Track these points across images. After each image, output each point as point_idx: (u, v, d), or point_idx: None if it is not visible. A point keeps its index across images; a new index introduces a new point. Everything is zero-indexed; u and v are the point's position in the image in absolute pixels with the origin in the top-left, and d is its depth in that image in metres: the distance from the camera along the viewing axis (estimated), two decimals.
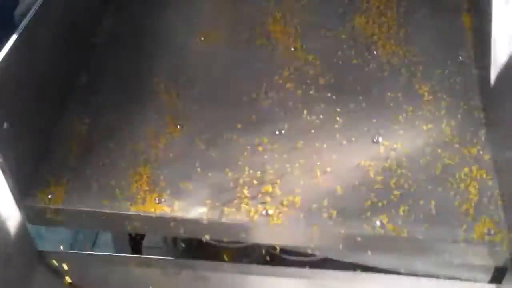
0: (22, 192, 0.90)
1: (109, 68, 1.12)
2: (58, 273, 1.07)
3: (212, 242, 1.32)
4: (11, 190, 0.89)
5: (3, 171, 0.85)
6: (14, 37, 0.81)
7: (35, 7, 0.88)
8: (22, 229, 0.98)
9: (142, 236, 1.47)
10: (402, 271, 1.09)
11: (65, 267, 1.06)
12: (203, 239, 0.91)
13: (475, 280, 1.03)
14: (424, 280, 1.05)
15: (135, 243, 1.44)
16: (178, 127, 1.02)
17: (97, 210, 0.89)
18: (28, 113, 0.89)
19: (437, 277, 1.05)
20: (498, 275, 1.00)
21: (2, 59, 0.79)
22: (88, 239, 1.90)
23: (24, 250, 1.00)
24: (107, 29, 1.20)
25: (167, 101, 1.07)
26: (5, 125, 0.81)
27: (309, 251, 1.12)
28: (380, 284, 1.06)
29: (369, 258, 1.09)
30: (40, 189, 0.92)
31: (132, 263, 1.08)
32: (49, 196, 0.91)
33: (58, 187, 0.92)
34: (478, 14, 1.18)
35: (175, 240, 1.42)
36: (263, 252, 1.24)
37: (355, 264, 1.12)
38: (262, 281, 1.08)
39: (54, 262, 1.06)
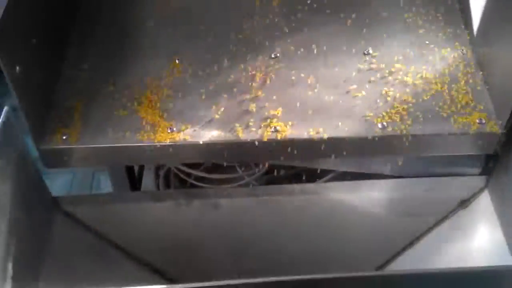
0: (37, 137, 0.92)
1: (99, 16, 1.13)
2: (74, 218, 1.11)
3: (202, 184, 1.38)
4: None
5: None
6: None
7: None
8: (37, 176, 1.01)
9: (140, 176, 1.51)
10: (398, 174, 1.17)
11: (81, 210, 1.10)
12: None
13: (467, 175, 1.12)
14: (421, 180, 1.14)
15: (134, 182, 1.48)
16: (177, 61, 1.05)
17: (115, 145, 0.93)
18: (35, 58, 0.91)
19: (431, 176, 1.14)
20: (487, 167, 1.09)
21: (8, 7, 0.80)
22: (85, 184, 1.93)
23: (40, 197, 1.04)
24: None
25: (162, 39, 1.09)
26: (17, 69, 0.83)
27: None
28: (381, 189, 1.14)
29: (367, 166, 1.17)
30: (53, 132, 0.94)
31: (145, 199, 1.13)
32: (64, 137, 0.93)
33: (70, 128, 0.95)
34: None
35: (168, 182, 1.46)
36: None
37: (352, 174, 1.20)
38: (272, 201, 1.15)
39: (70, 206, 1.09)
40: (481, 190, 1.11)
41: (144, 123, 0.96)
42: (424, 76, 1.02)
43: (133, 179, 1.52)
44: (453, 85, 1.00)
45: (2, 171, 0.85)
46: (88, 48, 1.07)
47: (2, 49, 0.79)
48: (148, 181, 1.50)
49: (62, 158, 0.94)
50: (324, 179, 1.26)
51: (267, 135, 0.94)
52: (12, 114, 0.89)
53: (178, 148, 0.93)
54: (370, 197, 1.15)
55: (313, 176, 1.26)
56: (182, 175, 1.40)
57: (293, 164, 1.28)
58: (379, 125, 0.95)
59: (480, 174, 1.11)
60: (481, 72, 1.02)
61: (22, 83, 0.85)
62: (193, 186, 1.40)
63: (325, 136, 0.93)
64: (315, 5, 1.14)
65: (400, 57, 1.05)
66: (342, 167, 1.17)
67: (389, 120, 0.96)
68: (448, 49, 1.06)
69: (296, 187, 1.15)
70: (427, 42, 1.07)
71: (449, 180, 1.12)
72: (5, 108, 0.88)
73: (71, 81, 1.02)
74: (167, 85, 1.01)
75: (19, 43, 0.85)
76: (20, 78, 0.84)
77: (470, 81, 1.01)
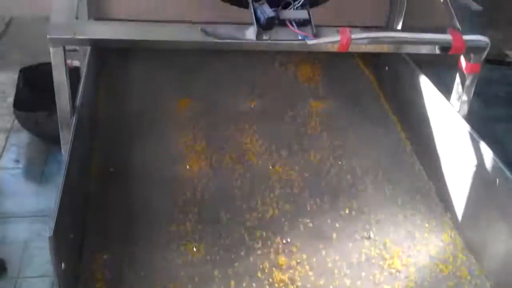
0: None
1: (111, 208, 1.18)
2: None
3: None
4: None
5: None
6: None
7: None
8: None
9: None
10: None
11: None
12: None
13: None
14: None
15: None
16: (194, 249, 1.10)
17: None
18: (71, 252, 0.93)
19: None
20: None
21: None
22: None
23: None
24: (97, 173, 1.27)
25: (175, 227, 1.15)
26: (63, 265, 0.85)
27: None
28: None
29: None
30: None
31: None
32: None
33: None
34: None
35: None
36: None
37: None
38: None
39: None
40: None
41: None
42: (423, 261, 1.12)
43: None
44: (450, 267, 1.11)
45: None
46: (105, 238, 1.10)
47: (54, 252, 0.83)
48: None
49: None
50: None
51: None
52: None
53: None
54: None
55: None
56: None
57: None
58: None
59: None
60: (472, 255, 1.13)
61: (64, 277, 0.86)
62: None
63: None
64: (311, 194, 1.26)
65: (398, 244, 1.15)
66: None
67: None
68: (439, 235, 1.18)
69: None
70: (418, 230, 1.19)
71: None
72: None
73: (94, 272, 1.03)
74: (187, 271, 1.05)
75: (64, 242, 0.89)
76: (63, 273, 0.86)
77: (465, 262, 1.12)
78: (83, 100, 1.22)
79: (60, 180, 0.94)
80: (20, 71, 2.00)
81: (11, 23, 2.01)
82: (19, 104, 1.89)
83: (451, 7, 1.25)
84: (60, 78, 1.10)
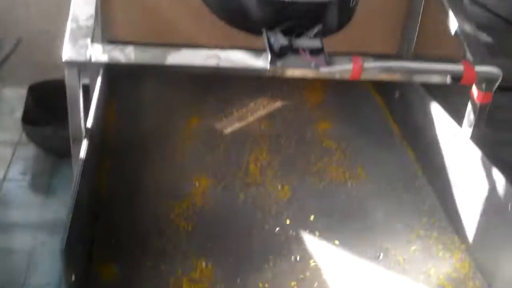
0: None
1: (121, 224, 1.18)
2: None
3: None
4: None
5: None
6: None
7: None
8: None
9: None
10: None
11: None
12: None
13: None
14: None
15: None
16: (203, 264, 1.11)
17: None
18: (81, 264, 0.94)
19: None
20: None
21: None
22: None
23: None
24: (107, 190, 1.27)
25: (181, 236, 1.17)
26: (73, 277, 0.86)
27: None
28: None
29: None
30: None
31: None
32: None
33: None
34: None
35: None
36: None
37: None
38: None
39: None
40: None
41: None
42: (434, 284, 1.12)
43: None
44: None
45: None
46: (114, 252, 1.11)
47: (66, 264, 0.84)
48: None
49: None
50: None
51: None
52: None
53: None
54: None
55: None
56: None
57: None
58: None
59: None
60: (484, 278, 1.13)
61: None
62: None
63: None
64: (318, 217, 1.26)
65: (407, 266, 1.16)
66: None
67: None
68: (450, 258, 1.19)
69: None
70: (429, 253, 1.20)
71: None
72: None
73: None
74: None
75: (74, 255, 0.89)
76: (74, 285, 0.87)
77: (476, 283, 1.13)
78: (94, 120, 1.22)
79: (69, 194, 0.95)
80: (28, 88, 2.02)
81: (22, 41, 2.03)
82: (27, 119, 1.91)
83: (462, 39, 1.27)
84: (74, 99, 1.10)
